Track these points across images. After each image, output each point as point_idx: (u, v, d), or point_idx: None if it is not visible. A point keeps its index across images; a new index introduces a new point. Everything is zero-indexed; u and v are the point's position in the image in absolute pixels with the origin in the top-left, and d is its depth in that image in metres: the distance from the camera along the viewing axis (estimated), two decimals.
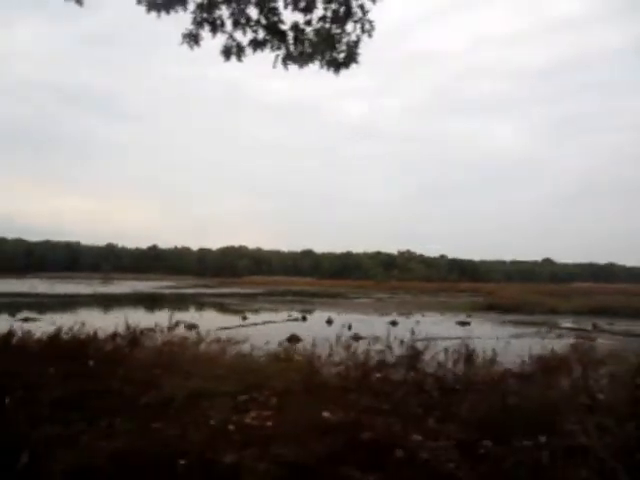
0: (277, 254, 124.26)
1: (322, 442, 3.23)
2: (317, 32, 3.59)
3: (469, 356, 7.61)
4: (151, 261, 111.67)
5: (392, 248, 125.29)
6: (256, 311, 28.54)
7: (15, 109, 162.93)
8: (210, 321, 20.50)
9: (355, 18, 3.55)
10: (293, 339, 16.46)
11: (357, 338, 14.99)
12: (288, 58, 3.71)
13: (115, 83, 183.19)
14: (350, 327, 20.61)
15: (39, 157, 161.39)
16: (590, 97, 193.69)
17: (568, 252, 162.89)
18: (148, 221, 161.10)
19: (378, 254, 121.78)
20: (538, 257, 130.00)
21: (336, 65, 3.74)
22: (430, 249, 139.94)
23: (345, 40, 3.62)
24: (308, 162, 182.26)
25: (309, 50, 3.66)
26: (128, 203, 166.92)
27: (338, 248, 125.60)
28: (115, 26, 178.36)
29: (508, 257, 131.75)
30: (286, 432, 3.54)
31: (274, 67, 3.66)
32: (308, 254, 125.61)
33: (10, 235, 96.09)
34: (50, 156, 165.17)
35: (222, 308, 30.60)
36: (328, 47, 3.61)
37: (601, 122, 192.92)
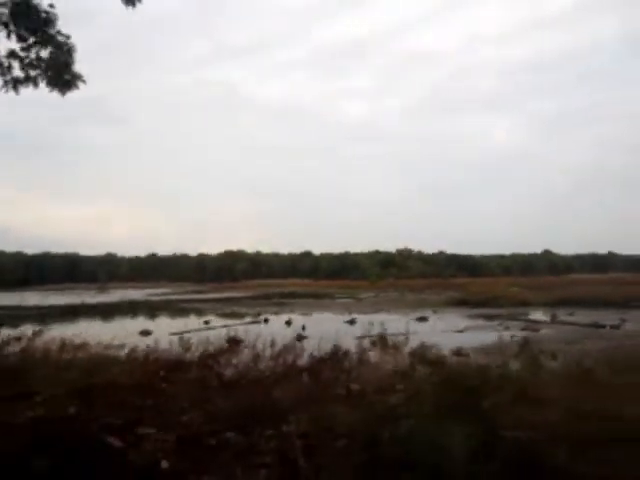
0: (276, 256, 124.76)
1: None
2: (35, 58, 3.97)
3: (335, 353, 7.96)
4: (150, 269, 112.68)
5: (392, 247, 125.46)
6: (227, 315, 29.02)
7: (5, 118, 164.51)
8: (169, 326, 20.98)
9: (55, 43, 3.91)
10: (232, 342, 17.05)
11: (301, 338, 15.66)
12: (17, 82, 4.10)
13: (112, 88, 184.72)
14: (304, 327, 21.09)
15: (34, 167, 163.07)
16: (584, 90, 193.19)
17: (568, 243, 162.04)
18: (147, 228, 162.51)
19: (377, 253, 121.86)
20: (538, 249, 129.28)
21: (62, 85, 4.13)
22: (430, 246, 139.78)
23: (56, 63, 3.97)
24: (307, 163, 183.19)
25: (33, 74, 4.04)
26: (126, 211, 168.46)
27: (338, 248, 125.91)
28: (109, 30, 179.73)
29: (509, 251, 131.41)
30: None
31: (5, 92, 4.08)
32: (307, 255, 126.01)
33: (8, 248, 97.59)
34: (45, 165, 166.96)
35: (195, 313, 31.09)
36: (46, 70, 3.98)
37: (594, 114, 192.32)
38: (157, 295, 56.45)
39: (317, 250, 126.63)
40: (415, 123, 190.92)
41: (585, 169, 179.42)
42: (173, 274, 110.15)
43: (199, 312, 31.34)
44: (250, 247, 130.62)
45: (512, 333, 17.28)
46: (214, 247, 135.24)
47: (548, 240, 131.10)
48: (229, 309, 33.74)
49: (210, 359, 5.69)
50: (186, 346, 6.92)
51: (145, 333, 19.26)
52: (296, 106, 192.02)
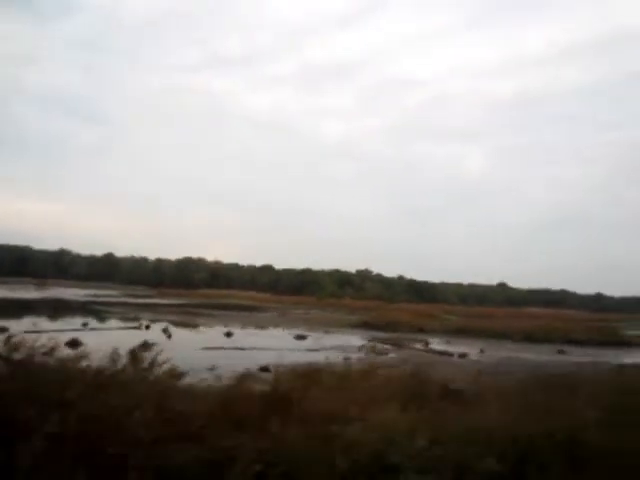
0: (236, 268, 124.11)
1: None
2: None
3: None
4: (105, 269, 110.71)
5: (355, 267, 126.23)
6: (129, 319, 28.51)
7: None
8: (48, 326, 20.77)
9: None
10: (73, 344, 17.20)
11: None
12: None
13: (92, 88, 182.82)
14: (170, 336, 21.23)
15: (3, 160, 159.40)
16: (553, 131, 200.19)
17: (525, 278, 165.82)
18: (110, 229, 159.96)
19: (336, 272, 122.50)
20: (494, 281, 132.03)
21: None
22: (393, 270, 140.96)
23: None
24: (283, 177, 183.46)
25: None
26: (90, 209, 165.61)
27: (301, 264, 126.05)
28: (97, 31, 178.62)
29: (468, 280, 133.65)
30: None
31: None
32: (268, 269, 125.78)
33: None
34: (16, 159, 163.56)
35: (93, 315, 30.63)
36: None
37: (560, 155, 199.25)
38: (90, 295, 55.51)
39: (281, 265, 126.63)
40: (391, 147, 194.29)
41: (548, 206, 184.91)
42: (128, 276, 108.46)
43: (97, 314, 30.99)
44: (215, 256, 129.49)
45: (348, 355, 17.82)
46: (177, 254, 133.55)
47: (506, 273, 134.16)
48: (137, 314, 33.43)
49: None
50: None
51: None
52: (277, 120, 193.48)
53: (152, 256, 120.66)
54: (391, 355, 18.69)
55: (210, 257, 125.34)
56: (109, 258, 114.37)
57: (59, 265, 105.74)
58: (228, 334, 23.14)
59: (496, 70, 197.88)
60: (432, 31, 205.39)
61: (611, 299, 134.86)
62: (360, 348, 20.50)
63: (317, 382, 6.36)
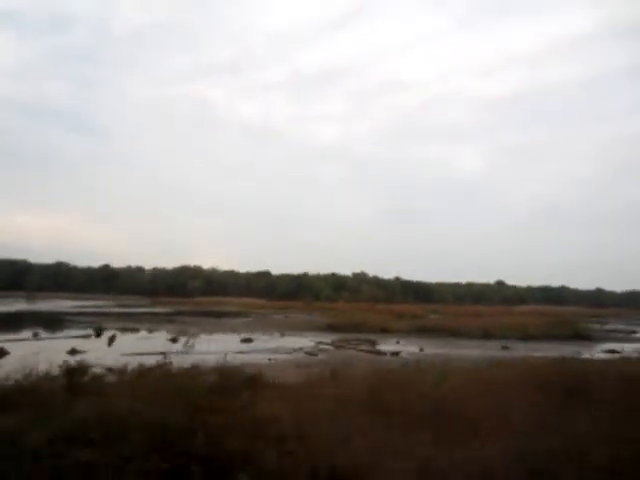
0: (232, 274, 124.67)
1: None
2: None
3: None
4: (102, 280, 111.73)
5: (352, 270, 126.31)
6: (88, 328, 28.90)
7: None
8: None
9: None
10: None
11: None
12: None
13: (87, 100, 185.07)
14: (111, 343, 21.59)
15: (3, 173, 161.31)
16: (547, 127, 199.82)
17: (523, 276, 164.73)
18: (107, 240, 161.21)
19: (332, 276, 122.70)
20: (492, 280, 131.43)
21: None
22: (390, 272, 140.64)
23: None
24: (277, 184, 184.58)
25: None
26: (87, 221, 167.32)
27: (300, 269, 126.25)
28: (89, 42, 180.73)
29: (468, 280, 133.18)
30: None
31: None
32: (264, 275, 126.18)
33: None
34: (15, 172, 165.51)
35: (58, 326, 31.03)
36: None
37: (557, 150, 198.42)
38: (74, 307, 56.20)
39: (279, 270, 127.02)
40: (385, 149, 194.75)
41: (543, 203, 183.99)
42: (125, 287, 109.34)
43: (62, 324, 31.46)
44: (212, 264, 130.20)
45: (277, 356, 18.07)
46: (173, 262, 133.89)
47: (505, 271, 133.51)
48: (106, 324, 33.84)
49: None
50: None
51: None
52: (271, 127, 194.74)
53: (150, 266, 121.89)
54: (321, 356, 18.91)
55: (207, 265, 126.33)
56: (106, 269, 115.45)
57: (56, 278, 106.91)
58: (174, 340, 23.46)
59: (488, 70, 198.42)
60: (422, 33, 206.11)
61: (612, 294, 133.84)
62: (297, 350, 20.75)
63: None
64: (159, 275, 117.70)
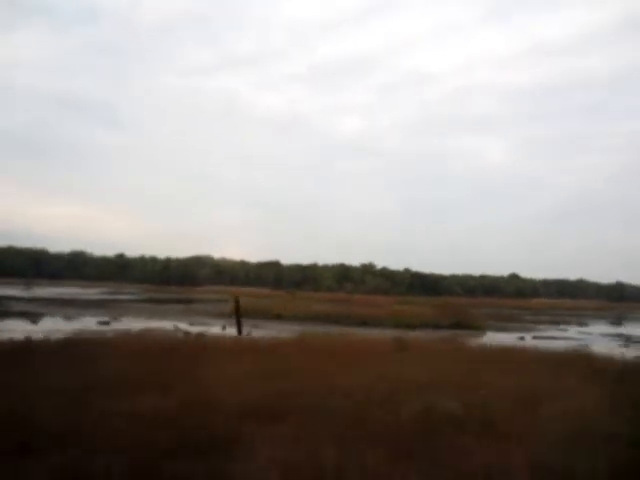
0: (242, 264, 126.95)
1: None
2: None
3: None
4: (116, 269, 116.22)
5: (366, 261, 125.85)
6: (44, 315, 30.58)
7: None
8: None
9: None
10: None
11: None
12: None
13: (108, 91, 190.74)
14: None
15: (27, 164, 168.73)
16: (571, 120, 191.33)
17: (543, 269, 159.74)
18: (123, 230, 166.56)
19: (340, 266, 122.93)
20: (506, 272, 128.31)
21: None
22: (403, 263, 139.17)
23: None
24: (300, 175, 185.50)
25: None
26: (105, 211, 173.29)
27: (311, 260, 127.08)
28: (115, 35, 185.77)
29: (483, 272, 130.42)
30: None
31: None
32: (273, 265, 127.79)
33: None
34: (37, 163, 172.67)
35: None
36: None
37: (579, 144, 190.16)
38: (59, 294, 58.42)
39: (290, 260, 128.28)
40: (407, 141, 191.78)
41: (567, 196, 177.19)
42: (138, 276, 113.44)
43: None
44: (222, 254, 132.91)
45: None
46: (187, 252, 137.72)
47: (522, 264, 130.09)
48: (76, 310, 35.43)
49: None
50: None
51: None
52: (293, 118, 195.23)
53: (164, 255, 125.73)
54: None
55: (219, 255, 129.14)
56: (120, 259, 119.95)
57: (72, 267, 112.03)
58: (102, 322, 25.11)
59: (515, 61, 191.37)
60: (449, 24, 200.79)
61: (634, 288, 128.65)
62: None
63: None
64: (171, 265, 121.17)
